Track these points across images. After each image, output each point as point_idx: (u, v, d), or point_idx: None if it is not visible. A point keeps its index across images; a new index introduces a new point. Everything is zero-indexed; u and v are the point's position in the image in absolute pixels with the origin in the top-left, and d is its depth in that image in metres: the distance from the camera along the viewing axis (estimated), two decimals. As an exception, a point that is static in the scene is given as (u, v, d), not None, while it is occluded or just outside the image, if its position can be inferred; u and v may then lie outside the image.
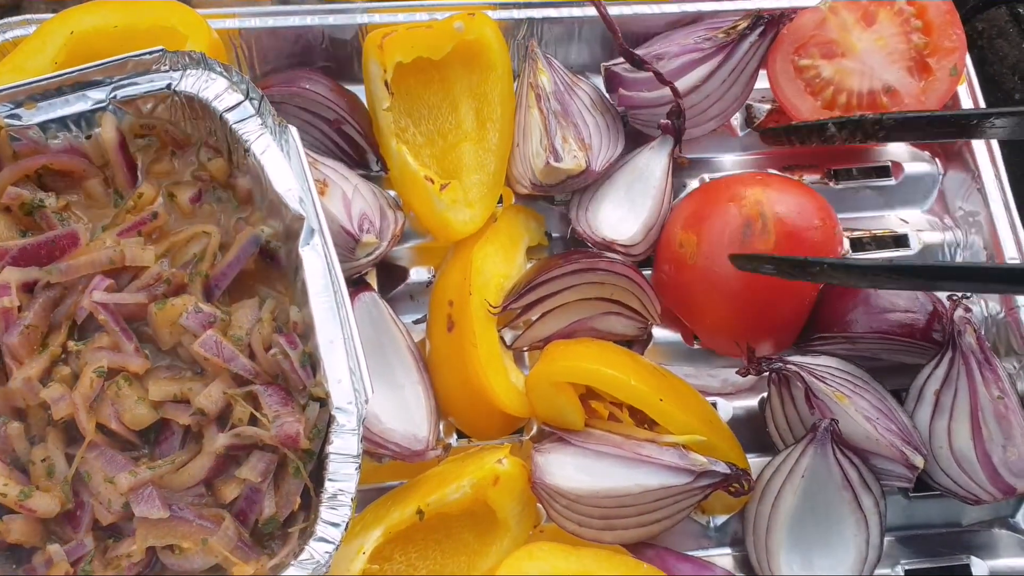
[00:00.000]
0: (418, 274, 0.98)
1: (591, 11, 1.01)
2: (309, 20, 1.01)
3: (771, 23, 0.95)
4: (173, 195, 0.90)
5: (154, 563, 0.79)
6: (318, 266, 0.83)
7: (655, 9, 1.01)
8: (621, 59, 0.98)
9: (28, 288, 0.83)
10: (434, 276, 0.97)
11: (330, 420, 0.78)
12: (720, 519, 0.90)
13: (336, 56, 1.02)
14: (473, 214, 0.94)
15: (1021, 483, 0.83)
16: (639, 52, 0.96)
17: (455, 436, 0.92)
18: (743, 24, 0.95)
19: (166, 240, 0.88)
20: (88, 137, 0.89)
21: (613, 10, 0.98)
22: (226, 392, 0.80)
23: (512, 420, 0.89)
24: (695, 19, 1.02)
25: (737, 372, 0.88)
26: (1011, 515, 0.91)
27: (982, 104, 1.02)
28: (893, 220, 1.03)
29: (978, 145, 0.99)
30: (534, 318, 0.90)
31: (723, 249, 0.87)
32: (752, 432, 0.92)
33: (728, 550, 0.89)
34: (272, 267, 0.89)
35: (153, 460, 0.80)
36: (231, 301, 0.87)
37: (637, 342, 0.95)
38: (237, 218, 0.90)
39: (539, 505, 0.85)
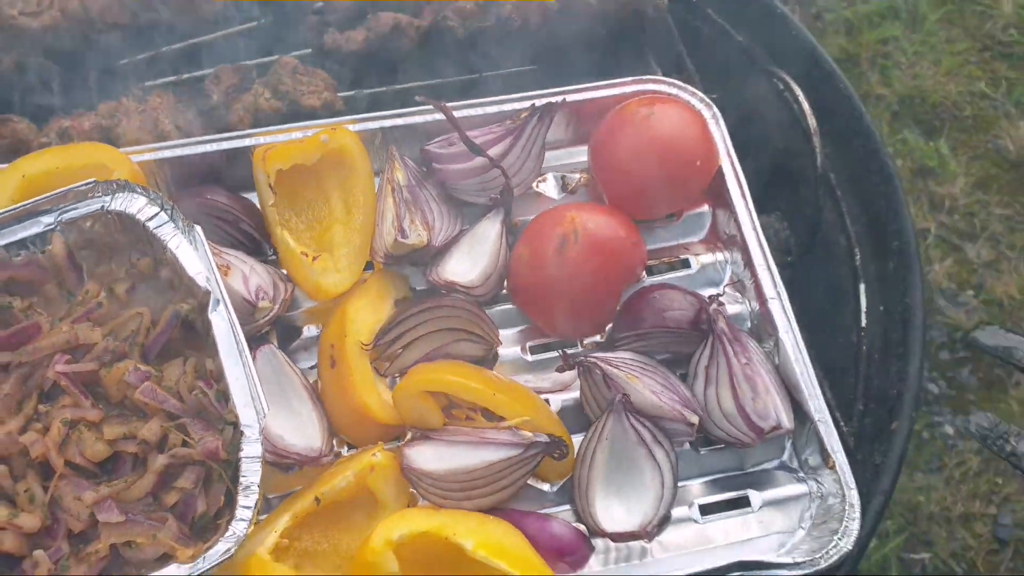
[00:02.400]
0: (309, 331, 1.24)
1: (425, 116, 1.31)
2: (209, 147, 1.30)
3: (541, 114, 1.26)
4: (112, 289, 1.17)
5: (116, 557, 1.03)
6: (223, 327, 1.10)
7: (477, 111, 1.32)
8: (434, 146, 1.28)
9: (4, 367, 1.09)
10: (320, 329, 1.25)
11: (240, 436, 1.04)
12: (557, 484, 1.16)
13: (233, 171, 1.30)
14: (341, 278, 1.22)
15: (765, 424, 1.10)
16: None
17: (345, 448, 1.17)
18: (525, 113, 1.26)
19: (110, 322, 1.15)
20: (43, 252, 1.17)
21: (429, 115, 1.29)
22: (163, 426, 1.06)
23: (389, 431, 1.15)
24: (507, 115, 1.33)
25: (556, 369, 1.16)
26: (781, 457, 1.18)
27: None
28: (679, 248, 1.33)
29: (732, 186, 1.29)
30: (400, 350, 1.18)
31: (548, 258, 1.17)
32: (577, 417, 1.18)
33: (567, 507, 1.14)
34: (191, 333, 1.15)
35: (111, 483, 1.05)
36: (162, 362, 1.13)
37: (485, 361, 1.22)
38: (165, 300, 1.17)
39: (411, 489, 1.10)
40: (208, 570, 0.98)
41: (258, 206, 1.27)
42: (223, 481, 1.05)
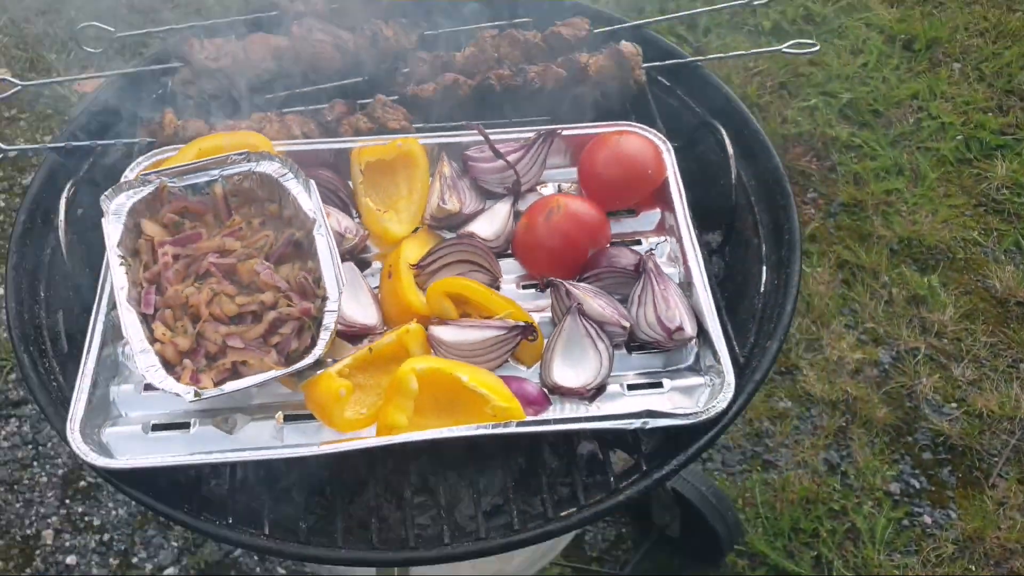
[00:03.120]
0: (375, 265, 1.83)
1: (467, 138, 1.93)
2: (323, 146, 1.94)
3: (545, 137, 1.86)
4: (250, 222, 1.78)
5: (234, 372, 1.57)
6: (322, 241, 1.68)
7: (502, 136, 1.93)
8: (471, 152, 1.89)
9: (176, 256, 1.69)
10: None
11: (325, 301, 1.60)
12: (530, 368, 1.68)
13: (337, 162, 1.93)
14: (400, 228, 1.80)
15: (672, 325, 1.61)
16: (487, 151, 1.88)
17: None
18: (533, 136, 1.88)
19: (246, 240, 1.75)
20: (207, 194, 1.79)
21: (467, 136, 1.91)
22: (275, 295, 1.64)
23: (421, 320, 1.70)
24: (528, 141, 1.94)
25: (537, 290, 1.72)
26: (688, 362, 1.68)
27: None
28: (635, 234, 1.89)
29: (674, 193, 1.86)
30: (433, 270, 1.75)
31: (538, 223, 1.74)
32: (547, 328, 1.72)
33: (536, 381, 1.66)
34: (299, 250, 1.73)
35: (237, 327, 1.61)
36: (278, 265, 1.72)
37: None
38: (283, 230, 1.77)
39: (431, 351, 1.64)
40: (296, 370, 1.52)
41: (351, 184, 1.89)
42: (311, 330, 1.60)
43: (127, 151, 1.97)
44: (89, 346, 1.57)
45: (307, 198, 1.74)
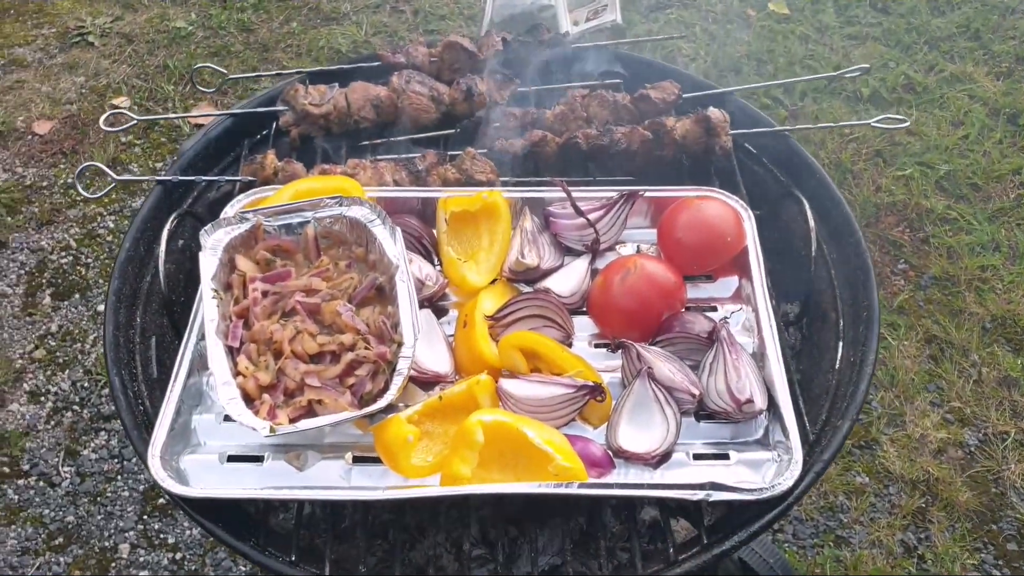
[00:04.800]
0: (452, 314, 1.87)
1: (549, 193, 1.97)
2: (411, 194, 2.01)
3: (627, 198, 1.89)
4: (336, 264, 1.85)
5: (310, 410, 1.63)
6: (403, 287, 1.74)
7: (585, 194, 1.97)
8: (553, 207, 1.93)
9: (265, 293, 1.77)
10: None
11: (400, 347, 1.65)
12: (597, 429, 1.68)
13: (424, 210, 1.99)
14: (479, 279, 1.85)
15: (742, 396, 1.60)
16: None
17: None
18: (615, 196, 1.90)
19: (332, 281, 1.82)
20: (299, 234, 1.87)
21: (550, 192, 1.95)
22: (354, 337, 1.69)
23: (492, 372, 1.73)
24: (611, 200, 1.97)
25: (608, 349, 1.73)
26: (756, 435, 1.66)
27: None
28: (711, 300, 1.89)
29: (753, 262, 1.86)
30: (507, 323, 1.78)
31: (614, 284, 1.76)
32: (616, 389, 1.72)
33: (601, 442, 1.66)
34: (381, 295, 1.80)
35: (316, 366, 1.68)
36: (360, 307, 1.78)
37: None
38: (368, 273, 1.84)
39: (500, 403, 1.67)
40: (368, 413, 1.56)
41: (435, 232, 1.95)
42: (385, 374, 1.65)
43: (229, 188, 2.08)
44: (176, 374, 1.65)
45: (392, 244, 1.80)
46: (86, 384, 3.42)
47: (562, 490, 1.49)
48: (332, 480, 1.58)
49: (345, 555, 1.58)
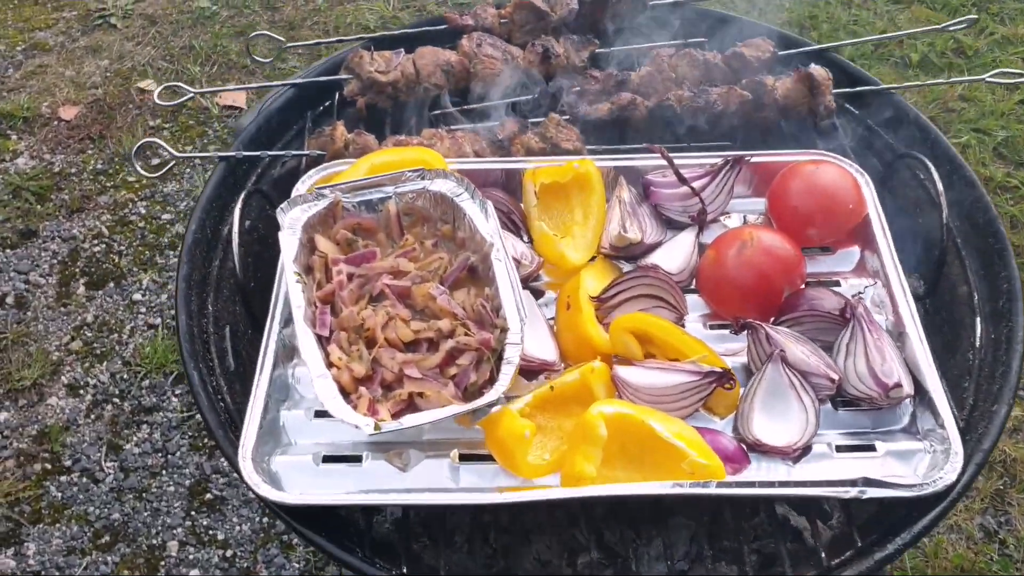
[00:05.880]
0: (548, 294, 1.72)
1: (643, 161, 1.80)
2: (495, 166, 1.84)
3: (733, 164, 1.72)
4: (422, 242, 1.69)
5: (410, 404, 1.48)
6: (500, 266, 1.58)
7: (690, 161, 1.80)
8: (652, 176, 1.76)
9: (351, 276, 1.61)
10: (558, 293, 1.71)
11: (506, 334, 1.49)
12: (724, 419, 1.53)
13: (507, 182, 1.83)
14: (578, 255, 1.69)
15: (889, 380, 1.44)
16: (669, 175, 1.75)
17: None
18: (720, 163, 1.74)
19: (420, 262, 1.66)
20: (379, 211, 1.71)
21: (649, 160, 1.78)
22: (452, 323, 1.54)
23: (602, 358, 1.58)
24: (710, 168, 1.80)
25: (731, 332, 1.57)
26: (903, 423, 1.50)
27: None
28: (831, 274, 1.73)
29: (877, 230, 1.70)
30: (614, 304, 1.62)
31: (729, 258, 1.60)
32: (741, 374, 1.57)
33: (730, 434, 1.51)
34: (474, 275, 1.64)
35: (414, 355, 1.52)
36: (453, 290, 1.62)
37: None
38: (457, 253, 1.68)
39: (616, 393, 1.52)
40: (478, 408, 1.41)
41: (522, 206, 1.79)
42: (489, 363, 1.50)
43: (294, 164, 1.92)
44: (262, 366, 1.49)
45: (483, 220, 1.64)
46: (125, 376, 3.27)
47: (701, 490, 1.34)
48: (439, 481, 1.43)
49: (458, 563, 1.44)
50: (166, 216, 3.77)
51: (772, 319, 1.62)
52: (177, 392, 3.19)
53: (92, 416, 3.13)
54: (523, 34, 2.12)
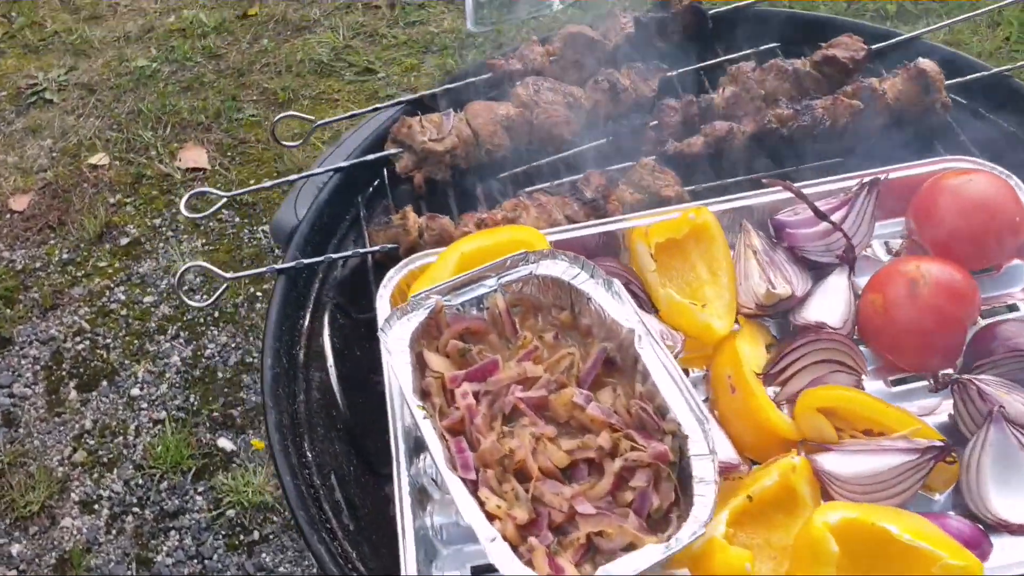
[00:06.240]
0: (692, 374, 1.49)
1: (758, 199, 1.58)
2: (590, 231, 1.61)
3: (870, 187, 1.51)
4: (542, 337, 1.45)
5: (590, 546, 1.24)
6: (651, 355, 1.35)
7: (810, 189, 1.58)
8: (782, 216, 1.54)
9: (475, 395, 1.37)
10: (706, 371, 1.48)
11: (685, 439, 1.26)
12: (942, 495, 1.32)
13: (602, 247, 1.59)
14: (723, 324, 1.46)
15: None
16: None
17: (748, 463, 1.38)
18: (856, 187, 1.52)
19: (546, 361, 1.42)
20: (484, 309, 1.47)
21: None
22: (612, 436, 1.30)
23: (785, 445, 1.35)
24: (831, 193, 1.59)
25: (929, 390, 1.36)
26: None
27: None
28: (1002, 297, 1.52)
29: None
30: (787, 379, 1.40)
31: (900, 301, 1.38)
32: (947, 435, 1.35)
33: (951, 513, 1.30)
34: (611, 367, 1.40)
35: (579, 484, 1.28)
36: (593, 390, 1.38)
37: (853, 392, 1.42)
38: (584, 344, 1.44)
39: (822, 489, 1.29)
40: (679, 550, 1.18)
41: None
42: (671, 480, 1.26)
43: (357, 263, 1.67)
44: (403, 529, 1.24)
45: (611, 301, 1.40)
46: (140, 481, 2.98)
47: (975, 600, 1.12)
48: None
49: None
50: (148, 299, 3.47)
51: (957, 362, 1.41)
52: (200, 490, 2.92)
53: (113, 531, 2.85)
54: (577, 69, 1.88)
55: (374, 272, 1.62)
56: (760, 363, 1.42)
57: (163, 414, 3.12)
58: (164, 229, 3.78)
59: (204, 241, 3.69)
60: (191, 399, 3.20)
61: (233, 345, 3.33)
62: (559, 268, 1.45)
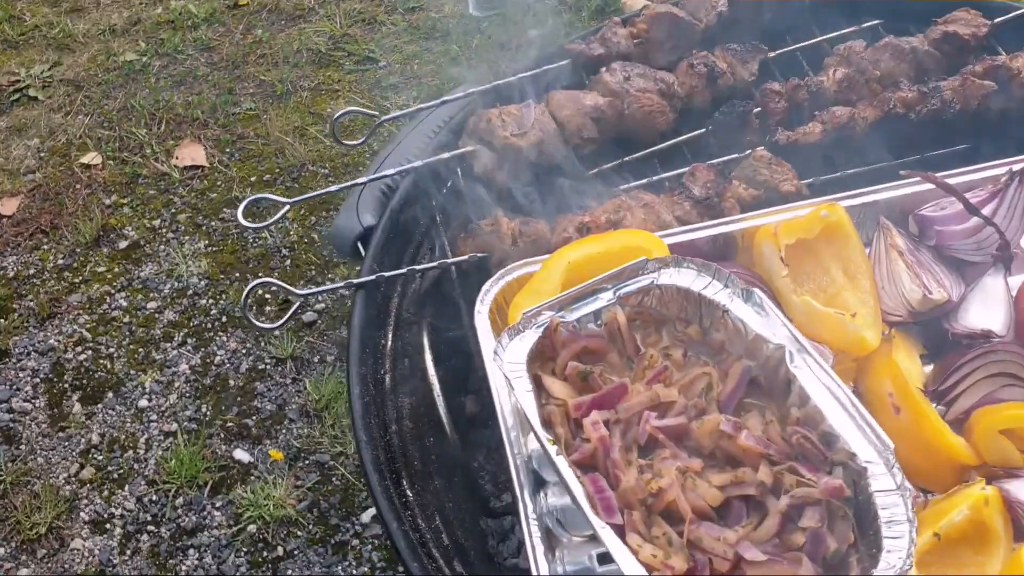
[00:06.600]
0: (840, 388, 1.31)
1: (889, 193, 1.42)
2: (703, 233, 1.44)
3: (1022, 176, 1.35)
4: (669, 354, 1.28)
5: (760, 598, 1.07)
6: (808, 374, 1.18)
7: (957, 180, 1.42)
8: (926, 211, 1.38)
9: (605, 423, 1.19)
10: (853, 387, 1.31)
11: (863, 472, 1.09)
12: None
13: (721, 249, 1.42)
14: (873, 333, 1.30)
15: None
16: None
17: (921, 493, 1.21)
18: (1006, 177, 1.36)
19: (676, 383, 1.25)
20: (602, 325, 1.29)
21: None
22: (773, 469, 1.13)
23: (960, 472, 1.18)
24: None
25: (1122, 406, 1.19)
26: None
27: None
28: None
29: None
30: (956, 395, 1.23)
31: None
32: None
33: None
34: (754, 388, 1.23)
35: (742, 526, 1.11)
36: (738, 415, 1.21)
37: (1027, 407, 1.26)
38: (717, 361, 1.27)
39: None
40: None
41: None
42: (847, 519, 1.09)
43: (437, 274, 1.49)
44: None
45: (749, 312, 1.23)
46: (154, 497, 2.78)
47: None
48: None
49: None
50: (152, 304, 3.26)
51: None
52: (218, 505, 2.73)
53: (128, 552, 2.65)
54: (665, 53, 1.71)
55: (460, 284, 1.44)
56: (918, 378, 1.25)
57: (174, 426, 2.92)
58: (164, 230, 3.56)
59: (207, 242, 3.49)
60: (203, 409, 3.00)
61: (244, 351, 3.13)
62: (686, 278, 1.28)
